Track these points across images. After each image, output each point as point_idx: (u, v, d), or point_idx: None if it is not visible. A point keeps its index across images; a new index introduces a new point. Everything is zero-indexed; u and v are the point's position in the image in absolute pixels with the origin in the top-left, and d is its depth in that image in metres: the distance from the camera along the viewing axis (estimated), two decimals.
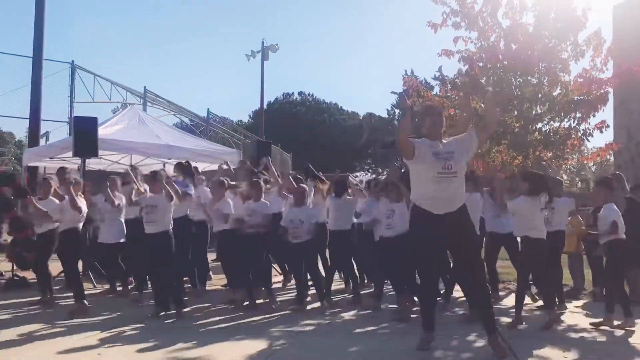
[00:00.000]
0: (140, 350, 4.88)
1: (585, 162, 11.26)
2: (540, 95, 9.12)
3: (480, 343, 5.16)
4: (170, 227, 6.56)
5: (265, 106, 31.15)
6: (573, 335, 5.76)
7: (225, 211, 7.12)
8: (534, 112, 9.45)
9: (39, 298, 7.34)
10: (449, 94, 10.30)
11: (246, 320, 6.31)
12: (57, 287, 7.94)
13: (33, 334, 5.49)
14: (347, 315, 6.65)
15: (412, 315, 6.22)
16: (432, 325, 4.95)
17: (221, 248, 7.67)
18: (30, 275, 8.95)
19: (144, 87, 19.72)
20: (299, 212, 6.94)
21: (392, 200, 6.60)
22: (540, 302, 6.97)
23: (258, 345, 5.08)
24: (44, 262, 7.37)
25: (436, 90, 20.37)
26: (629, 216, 6.61)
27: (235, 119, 42.04)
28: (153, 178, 6.68)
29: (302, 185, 7.39)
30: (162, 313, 6.38)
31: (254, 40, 37.02)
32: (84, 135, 9.60)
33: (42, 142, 15.09)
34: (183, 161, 8.95)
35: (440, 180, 4.69)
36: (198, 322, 6.18)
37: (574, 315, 6.79)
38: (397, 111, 43.94)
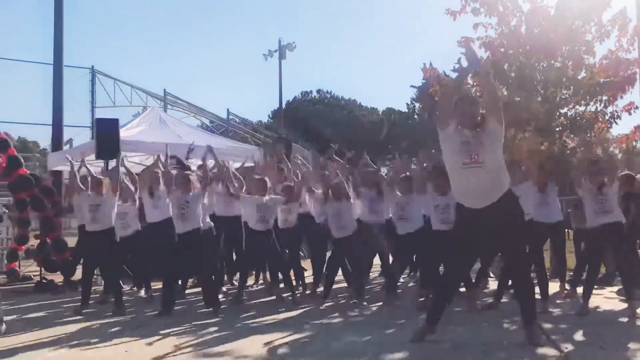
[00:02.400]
0: (167, 344, 4.85)
1: (612, 148, 10.97)
2: (564, 79, 8.93)
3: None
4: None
5: (284, 105, 31.17)
6: (610, 320, 5.62)
7: None
8: (558, 97, 9.27)
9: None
10: (470, 84, 10.13)
11: (273, 315, 6.25)
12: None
13: (60, 333, 5.48)
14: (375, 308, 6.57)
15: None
16: (436, 321, 4.76)
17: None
18: (58, 277, 9.05)
19: (164, 89, 19.86)
20: (339, 205, 6.87)
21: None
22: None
23: (286, 337, 5.03)
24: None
25: None
26: None
27: (254, 119, 42.13)
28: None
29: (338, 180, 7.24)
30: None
31: (270, 40, 37.26)
32: (106, 137, 9.62)
33: (66, 148, 15.24)
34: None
35: (466, 172, 4.50)
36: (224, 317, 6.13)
37: (610, 301, 6.63)
38: (416, 105, 43.63)
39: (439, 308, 4.80)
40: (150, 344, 4.93)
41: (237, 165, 9.32)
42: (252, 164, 9.32)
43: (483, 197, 4.49)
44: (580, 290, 6.33)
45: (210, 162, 7.70)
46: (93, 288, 7.33)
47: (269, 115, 46.16)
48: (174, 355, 4.53)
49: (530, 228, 5.86)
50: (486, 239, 4.68)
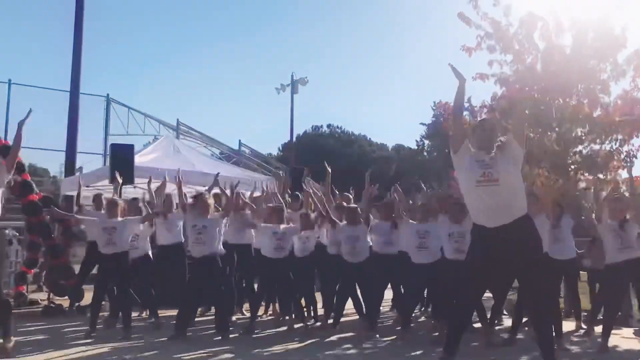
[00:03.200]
0: None
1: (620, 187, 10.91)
2: (580, 116, 8.93)
3: None
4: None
5: (294, 139, 31.32)
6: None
7: None
8: (573, 134, 9.27)
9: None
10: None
11: (284, 345, 6.17)
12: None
13: (71, 357, 5.42)
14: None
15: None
16: (454, 349, 4.61)
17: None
18: (66, 302, 8.97)
19: (177, 119, 20.02)
20: (354, 230, 6.83)
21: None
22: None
23: None
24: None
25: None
26: None
27: (265, 151, 42.33)
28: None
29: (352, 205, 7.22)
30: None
31: (283, 74, 37.59)
32: (121, 162, 9.69)
33: (76, 175, 15.33)
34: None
35: (480, 190, 4.48)
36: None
37: (629, 340, 6.50)
38: (426, 142, 43.81)
39: (455, 338, 4.68)
40: None
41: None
42: (260, 193, 9.29)
43: (497, 215, 4.45)
44: (597, 328, 6.22)
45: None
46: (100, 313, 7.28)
47: (279, 148, 46.39)
48: None
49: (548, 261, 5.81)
50: (502, 260, 4.54)
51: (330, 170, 8.46)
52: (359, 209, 7.03)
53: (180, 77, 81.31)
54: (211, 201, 6.73)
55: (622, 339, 6.54)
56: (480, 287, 4.87)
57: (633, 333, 6.98)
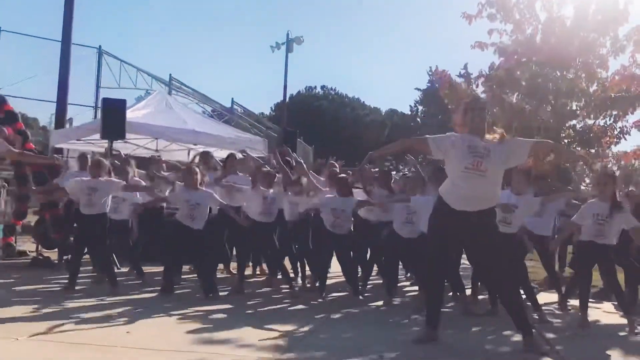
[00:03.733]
0: (168, 329, 4.81)
1: (610, 165, 11.00)
2: (576, 91, 8.92)
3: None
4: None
5: (287, 99, 31.09)
6: (611, 333, 5.59)
7: None
8: (568, 108, 9.26)
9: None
10: (480, 88, 10.09)
11: (273, 307, 6.23)
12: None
13: (59, 310, 5.44)
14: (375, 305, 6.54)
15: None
16: (434, 322, 4.70)
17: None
18: (55, 255, 8.98)
19: (170, 74, 19.81)
20: (342, 201, 6.81)
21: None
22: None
23: (286, 329, 4.99)
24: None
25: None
26: None
27: (257, 110, 42.04)
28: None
29: (344, 175, 7.17)
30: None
31: (279, 32, 36.88)
32: (112, 117, 9.60)
33: (66, 126, 15.18)
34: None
35: (466, 177, 4.47)
36: (225, 307, 6.09)
37: (610, 315, 6.61)
38: (420, 108, 43.69)
39: (434, 308, 4.77)
40: (151, 325, 4.90)
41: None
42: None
43: (468, 203, 4.51)
44: (574, 302, 6.32)
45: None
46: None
47: (271, 108, 46.08)
48: (175, 338, 4.49)
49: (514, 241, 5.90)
50: (458, 239, 4.68)
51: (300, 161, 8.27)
52: (348, 179, 6.98)
53: (174, 31, 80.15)
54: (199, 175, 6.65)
55: (603, 313, 6.64)
56: (443, 259, 4.88)
57: (614, 307, 7.08)
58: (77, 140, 11.54)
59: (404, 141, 5.21)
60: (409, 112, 44.56)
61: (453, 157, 4.56)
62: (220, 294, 6.50)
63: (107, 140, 10.09)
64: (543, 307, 6.17)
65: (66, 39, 14.47)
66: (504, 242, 4.90)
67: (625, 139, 9.09)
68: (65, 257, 8.74)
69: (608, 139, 9.37)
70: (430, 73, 35.58)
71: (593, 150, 9.66)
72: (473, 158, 4.43)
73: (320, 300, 6.56)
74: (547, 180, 6.99)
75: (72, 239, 7.96)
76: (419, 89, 42.78)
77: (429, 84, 37.46)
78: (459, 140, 4.56)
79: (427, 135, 4.76)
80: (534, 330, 4.67)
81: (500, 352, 4.61)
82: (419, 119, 43.28)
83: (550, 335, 5.19)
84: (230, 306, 6.02)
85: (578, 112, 9.34)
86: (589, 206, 5.74)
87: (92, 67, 18.04)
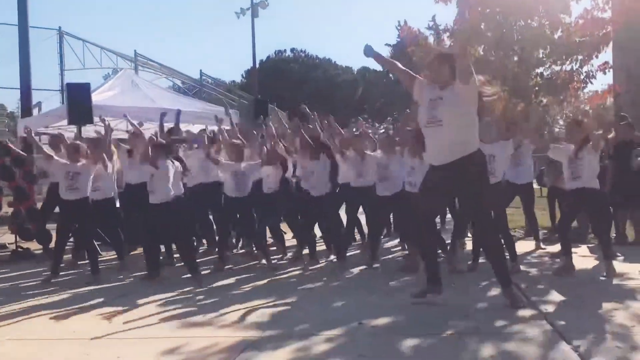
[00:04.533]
0: (151, 313, 4.84)
1: (582, 106, 11.16)
2: (541, 38, 8.92)
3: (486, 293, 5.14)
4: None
5: (257, 65, 30.70)
6: (586, 278, 5.75)
7: None
8: (535, 56, 9.27)
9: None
10: (447, 43, 10.07)
11: (255, 283, 6.28)
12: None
13: (41, 302, 5.43)
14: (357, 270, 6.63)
15: None
16: (435, 278, 4.80)
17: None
18: (34, 245, 8.93)
19: (135, 50, 19.48)
20: (313, 164, 6.88)
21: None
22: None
23: (270, 305, 5.06)
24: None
25: (430, 40, 20.01)
26: None
27: (228, 79, 41.54)
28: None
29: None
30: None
31: None
32: (78, 102, 9.41)
33: (35, 112, 14.89)
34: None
35: (429, 130, 4.63)
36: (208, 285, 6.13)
37: (585, 259, 6.78)
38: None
39: (433, 267, 4.86)
40: (134, 312, 4.92)
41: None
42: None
43: (441, 155, 4.61)
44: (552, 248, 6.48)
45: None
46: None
47: (242, 75, 45.55)
48: (160, 324, 4.52)
49: (498, 189, 6.02)
50: (444, 192, 4.82)
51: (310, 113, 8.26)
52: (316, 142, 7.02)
53: (135, 6, 78.15)
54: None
55: (578, 257, 6.81)
56: (430, 212, 4.98)
57: (589, 250, 7.27)
58: (45, 127, 11.32)
59: (401, 70, 5.03)
60: (382, 70, 44.25)
61: (420, 108, 4.70)
62: (203, 272, 6.53)
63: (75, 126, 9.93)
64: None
65: (23, 21, 14.08)
66: (488, 190, 4.91)
67: (591, 83, 9.16)
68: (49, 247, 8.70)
69: (575, 84, 9.40)
70: (398, 28, 35.33)
71: (562, 97, 9.73)
72: (429, 111, 4.58)
73: (308, 271, 6.66)
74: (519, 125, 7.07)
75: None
76: (389, 45, 42.42)
77: (398, 39, 37.12)
78: (425, 93, 4.67)
79: (418, 76, 4.87)
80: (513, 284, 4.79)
81: (478, 307, 4.72)
82: (391, 76, 43.04)
83: (523, 285, 5.34)
84: (211, 285, 6.06)
85: (544, 59, 9.34)
86: (565, 148, 5.98)
87: (54, 49, 17.62)
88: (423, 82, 4.77)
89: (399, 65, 5.06)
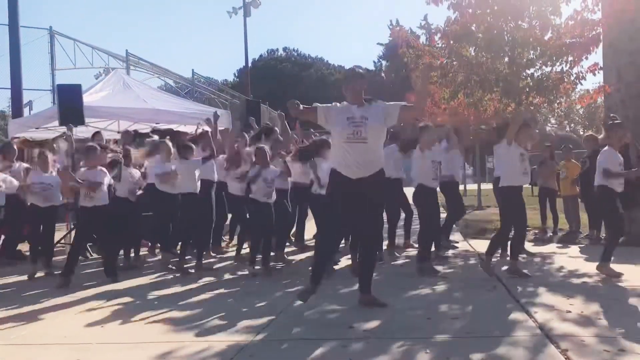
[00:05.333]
0: (144, 318, 4.84)
1: (573, 105, 11.27)
2: (531, 40, 8.96)
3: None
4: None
5: (250, 64, 30.67)
6: (575, 280, 5.80)
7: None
8: (525, 58, 9.31)
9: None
10: (439, 44, 10.11)
11: (247, 286, 6.29)
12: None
13: (34, 307, 5.42)
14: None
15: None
16: (319, 279, 4.96)
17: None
18: (24, 247, 8.87)
19: (126, 50, 19.37)
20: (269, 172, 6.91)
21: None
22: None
23: (262, 308, 5.07)
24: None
25: (422, 39, 20.07)
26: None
27: (220, 78, 41.46)
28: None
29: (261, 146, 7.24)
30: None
31: None
32: (69, 103, 9.37)
33: (25, 111, 14.81)
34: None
35: (349, 146, 4.81)
36: (194, 287, 6.13)
37: (575, 260, 6.82)
38: (384, 63, 43.53)
39: (323, 264, 5.12)
40: (124, 317, 4.92)
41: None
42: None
43: (360, 169, 4.83)
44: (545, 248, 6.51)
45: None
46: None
47: (234, 74, 45.53)
48: (150, 329, 4.53)
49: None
50: (354, 205, 4.92)
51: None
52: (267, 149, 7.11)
53: (127, 5, 77.84)
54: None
55: (569, 258, 6.87)
56: (338, 225, 5.21)
57: (579, 251, 7.32)
58: (36, 128, 11.27)
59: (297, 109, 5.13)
60: (374, 68, 44.37)
61: (334, 126, 4.92)
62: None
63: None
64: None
65: (13, 22, 14.01)
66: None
67: (581, 84, 9.22)
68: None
69: (566, 84, 9.45)
70: (390, 27, 35.42)
71: (552, 97, 9.78)
72: (352, 128, 4.79)
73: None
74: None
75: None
76: (381, 44, 42.62)
77: (390, 38, 37.22)
78: (334, 111, 4.95)
79: (316, 104, 5.09)
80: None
81: (469, 312, 4.76)
82: (383, 74, 43.18)
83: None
84: (204, 288, 6.07)
85: (535, 60, 9.38)
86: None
87: (45, 49, 17.48)
88: (334, 106, 5.03)
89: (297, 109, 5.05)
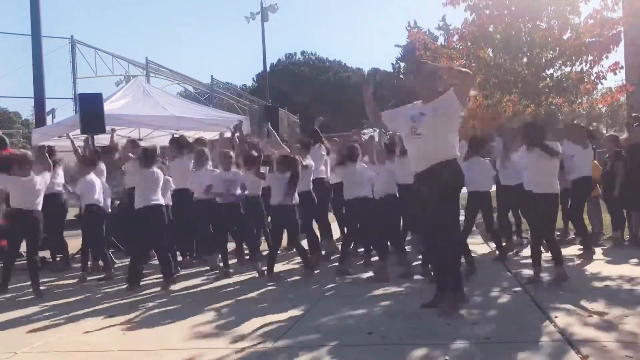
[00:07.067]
0: (164, 324, 4.89)
1: (594, 104, 11.15)
2: (550, 40, 8.90)
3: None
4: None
5: (268, 68, 30.82)
6: (597, 284, 5.72)
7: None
8: (544, 58, 9.26)
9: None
10: (456, 45, 10.09)
11: (260, 290, 6.32)
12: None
13: (57, 314, 5.50)
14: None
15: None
16: (440, 283, 4.94)
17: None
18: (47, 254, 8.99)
19: (146, 57, 19.61)
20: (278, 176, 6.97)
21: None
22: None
23: (282, 313, 5.08)
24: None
25: (440, 40, 20.00)
26: None
27: (239, 83, 41.74)
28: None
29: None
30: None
31: (252, 2, 35.98)
32: (90, 112, 9.55)
33: (48, 119, 15.06)
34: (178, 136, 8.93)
35: (409, 141, 4.98)
36: (211, 293, 6.17)
37: (596, 263, 6.74)
38: (402, 64, 43.38)
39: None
40: (144, 324, 4.97)
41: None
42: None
43: (418, 163, 4.93)
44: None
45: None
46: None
47: (253, 79, 45.71)
48: (168, 335, 4.57)
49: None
50: (420, 200, 4.99)
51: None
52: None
53: (146, 13, 78.70)
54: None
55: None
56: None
57: (602, 253, 7.22)
58: (59, 137, 11.45)
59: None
60: (392, 70, 44.23)
61: (402, 122, 5.03)
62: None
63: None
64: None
65: (36, 32, 14.25)
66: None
67: (601, 84, 9.14)
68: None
69: (586, 84, 9.38)
70: (408, 29, 35.28)
71: (572, 97, 9.70)
72: (411, 124, 4.87)
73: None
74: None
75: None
76: (399, 46, 42.46)
77: (408, 40, 37.11)
78: (398, 112, 5.13)
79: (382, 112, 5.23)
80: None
81: (490, 317, 4.73)
82: (402, 76, 43.00)
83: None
84: (224, 296, 6.10)
85: (554, 60, 9.32)
86: None
87: (67, 58, 17.78)
88: (398, 109, 5.17)
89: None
